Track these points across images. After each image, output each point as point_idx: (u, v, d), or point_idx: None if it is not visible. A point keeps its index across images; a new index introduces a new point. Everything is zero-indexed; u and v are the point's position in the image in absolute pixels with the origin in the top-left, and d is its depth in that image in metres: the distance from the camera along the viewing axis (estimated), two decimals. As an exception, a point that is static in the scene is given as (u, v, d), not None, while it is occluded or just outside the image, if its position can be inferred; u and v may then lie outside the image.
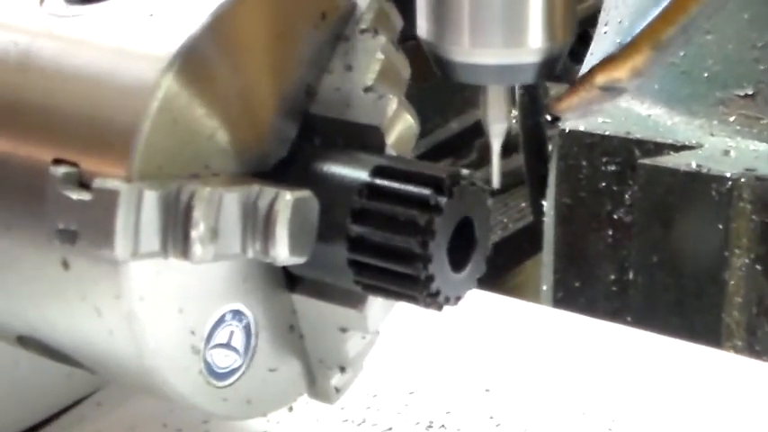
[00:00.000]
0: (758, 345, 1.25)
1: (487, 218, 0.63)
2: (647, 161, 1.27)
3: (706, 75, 1.30)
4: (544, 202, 1.45)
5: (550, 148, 1.57)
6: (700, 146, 1.29)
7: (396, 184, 0.61)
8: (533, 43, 0.61)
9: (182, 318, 0.62)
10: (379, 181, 0.61)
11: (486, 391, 0.82)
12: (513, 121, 1.65)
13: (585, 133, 1.33)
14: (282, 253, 0.59)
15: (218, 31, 0.61)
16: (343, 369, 0.69)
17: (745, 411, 0.81)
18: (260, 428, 0.77)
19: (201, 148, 0.61)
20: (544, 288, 1.43)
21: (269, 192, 0.60)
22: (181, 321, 0.62)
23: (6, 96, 0.63)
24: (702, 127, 1.31)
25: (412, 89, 0.66)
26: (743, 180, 1.23)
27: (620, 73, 0.64)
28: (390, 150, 0.65)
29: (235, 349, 0.65)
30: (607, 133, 1.31)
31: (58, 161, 0.60)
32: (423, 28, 0.64)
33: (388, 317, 0.69)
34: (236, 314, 0.65)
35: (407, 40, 0.67)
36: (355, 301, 0.66)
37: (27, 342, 0.68)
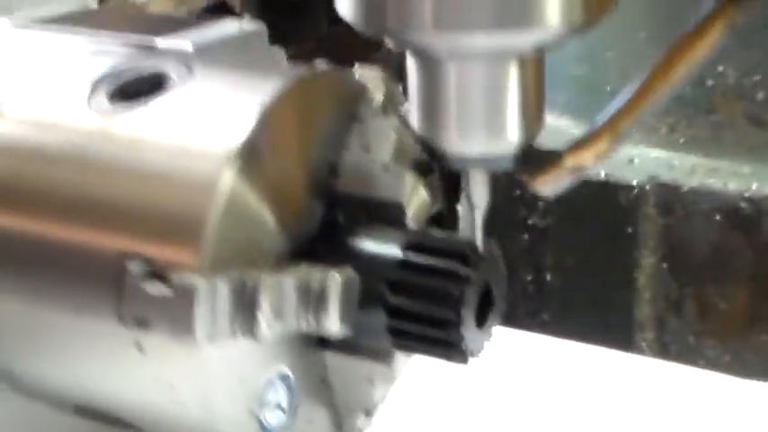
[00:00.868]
0: (667, 336, 1.38)
1: (504, 279, 0.72)
2: (558, 171, 1.38)
3: (608, 88, 1.41)
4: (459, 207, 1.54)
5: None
6: (605, 155, 1.40)
7: (428, 259, 0.69)
8: (511, 136, 0.69)
9: (242, 385, 0.70)
10: (412, 256, 0.69)
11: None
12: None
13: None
14: (334, 326, 0.68)
15: (267, 124, 0.68)
16: (368, 413, 0.77)
17: (651, 412, 0.91)
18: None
19: (255, 233, 0.68)
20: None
21: (319, 273, 0.68)
22: (242, 388, 0.70)
23: (72, 192, 0.69)
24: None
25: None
26: (647, 187, 1.35)
27: (586, 159, 0.73)
28: (410, 223, 0.74)
29: (282, 408, 0.73)
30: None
31: (129, 254, 0.66)
32: (417, 123, 0.71)
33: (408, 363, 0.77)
34: (282, 375, 0.73)
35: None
36: (383, 357, 0.74)
37: (85, 411, 0.74)
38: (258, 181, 0.67)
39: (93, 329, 0.69)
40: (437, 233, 0.73)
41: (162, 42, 0.90)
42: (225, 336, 0.66)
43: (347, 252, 0.71)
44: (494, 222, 1.41)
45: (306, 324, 0.68)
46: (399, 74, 0.74)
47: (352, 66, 0.81)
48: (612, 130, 0.72)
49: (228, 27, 0.95)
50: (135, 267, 0.66)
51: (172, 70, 0.73)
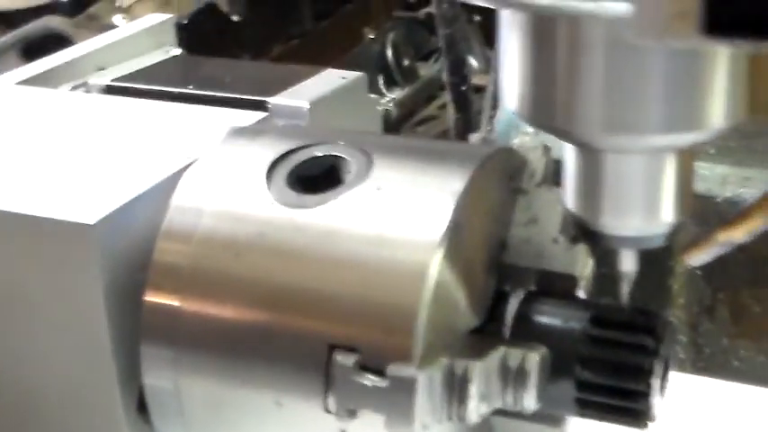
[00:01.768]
0: (701, 339, 1.42)
1: (673, 341, 0.74)
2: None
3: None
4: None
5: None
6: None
7: (616, 334, 0.72)
8: (665, 218, 0.71)
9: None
10: (600, 331, 0.72)
11: None
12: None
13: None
14: (532, 403, 0.70)
15: (460, 209, 0.69)
16: (532, 471, 0.80)
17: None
18: None
19: (453, 316, 0.70)
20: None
21: (516, 353, 0.70)
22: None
23: (269, 281, 0.70)
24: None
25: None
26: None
27: (738, 235, 0.77)
28: (579, 292, 0.76)
29: (462, 475, 0.75)
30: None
31: (337, 345, 0.68)
32: (571, 202, 0.72)
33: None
34: (461, 444, 0.75)
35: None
36: (555, 421, 0.77)
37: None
38: (456, 264, 0.69)
39: (295, 416, 0.70)
40: (616, 305, 0.75)
41: (276, 101, 0.91)
42: (437, 422, 0.67)
43: (534, 328, 0.73)
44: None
45: (504, 402, 0.70)
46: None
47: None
48: (764, 211, 0.77)
49: (331, 78, 0.97)
50: (344, 359, 0.67)
51: (347, 155, 0.74)
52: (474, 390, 0.68)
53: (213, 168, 0.76)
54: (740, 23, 0.53)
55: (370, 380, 0.67)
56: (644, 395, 0.71)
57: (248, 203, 0.73)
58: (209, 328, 0.71)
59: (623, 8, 0.55)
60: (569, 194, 0.72)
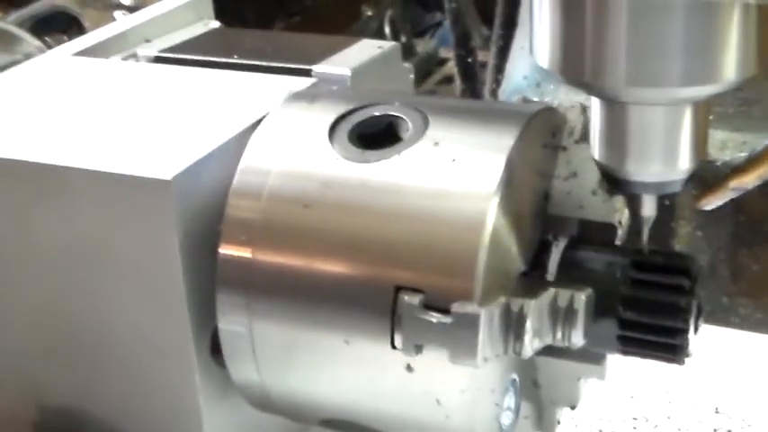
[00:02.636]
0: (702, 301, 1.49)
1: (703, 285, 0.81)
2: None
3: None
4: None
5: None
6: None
7: (654, 276, 0.78)
8: (683, 165, 0.78)
9: (493, 395, 0.78)
10: (641, 274, 0.78)
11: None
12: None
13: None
14: (579, 339, 0.76)
15: (511, 163, 0.75)
16: (573, 407, 0.86)
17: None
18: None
19: (506, 260, 0.76)
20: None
21: (565, 293, 0.76)
22: (492, 397, 0.78)
23: (338, 231, 0.76)
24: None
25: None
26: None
27: (749, 179, 0.83)
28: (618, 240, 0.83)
29: (511, 409, 0.82)
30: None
31: (404, 287, 0.74)
32: (598, 152, 0.79)
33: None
34: (512, 381, 0.81)
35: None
36: (596, 358, 0.83)
37: (331, 423, 0.82)
38: (508, 213, 0.75)
39: (364, 353, 0.76)
40: (654, 249, 0.81)
41: (320, 69, 0.97)
42: (496, 356, 0.74)
43: (578, 272, 0.80)
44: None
45: (554, 339, 0.76)
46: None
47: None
48: None
49: (368, 48, 1.03)
50: (411, 299, 0.73)
51: (404, 115, 0.80)
52: (529, 326, 0.74)
53: (277, 130, 0.81)
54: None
55: (435, 317, 0.73)
56: (682, 331, 0.78)
57: (314, 160, 0.79)
58: (281, 276, 0.77)
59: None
60: (596, 146, 0.78)
